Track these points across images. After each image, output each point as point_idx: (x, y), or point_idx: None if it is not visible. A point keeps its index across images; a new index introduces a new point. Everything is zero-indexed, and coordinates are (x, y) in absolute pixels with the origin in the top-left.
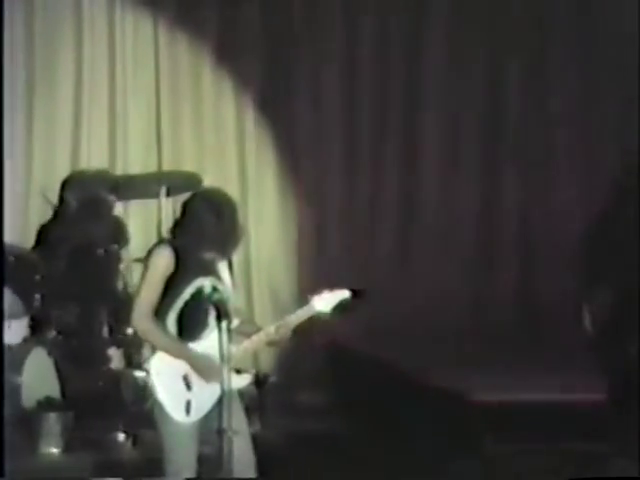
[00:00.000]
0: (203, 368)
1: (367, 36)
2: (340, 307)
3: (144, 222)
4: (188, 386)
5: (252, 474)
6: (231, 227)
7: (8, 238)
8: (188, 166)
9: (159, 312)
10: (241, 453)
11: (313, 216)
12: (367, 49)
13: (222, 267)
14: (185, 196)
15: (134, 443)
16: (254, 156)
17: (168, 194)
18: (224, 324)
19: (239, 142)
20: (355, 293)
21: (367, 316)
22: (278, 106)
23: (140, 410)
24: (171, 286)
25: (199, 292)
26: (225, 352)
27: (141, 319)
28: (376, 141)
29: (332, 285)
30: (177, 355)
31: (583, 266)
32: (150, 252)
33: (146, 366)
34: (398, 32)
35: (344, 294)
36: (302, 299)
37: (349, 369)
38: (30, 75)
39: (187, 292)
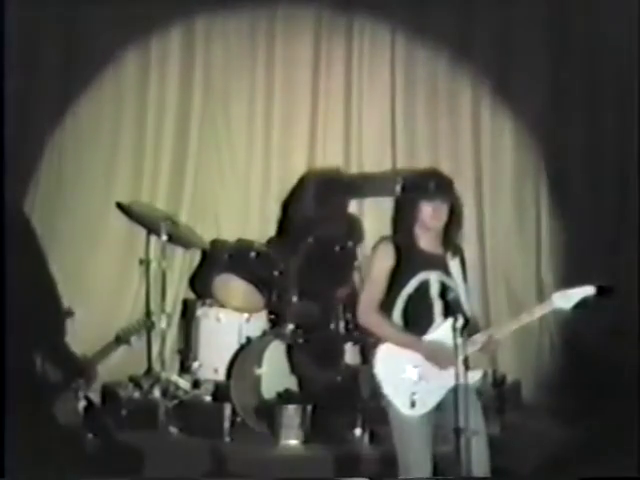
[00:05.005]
0: (436, 355)
1: None
2: (583, 305)
3: (379, 220)
4: (413, 378)
5: (486, 474)
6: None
7: (248, 236)
8: (422, 164)
9: (385, 306)
10: (477, 453)
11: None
12: None
13: (453, 262)
14: None
15: (371, 439)
16: (489, 152)
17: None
18: (453, 319)
19: (474, 139)
20: (601, 290)
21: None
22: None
23: (376, 406)
24: (394, 281)
25: (422, 286)
26: (457, 347)
27: (366, 312)
28: None
29: (576, 282)
30: (406, 345)
31: None
32: (373, 249)
33: (371, 359)
34: None
35: (588, 290)
36: (541, 296)
37: (592, 370)
38: (269, 76)
39: (410, 286)
